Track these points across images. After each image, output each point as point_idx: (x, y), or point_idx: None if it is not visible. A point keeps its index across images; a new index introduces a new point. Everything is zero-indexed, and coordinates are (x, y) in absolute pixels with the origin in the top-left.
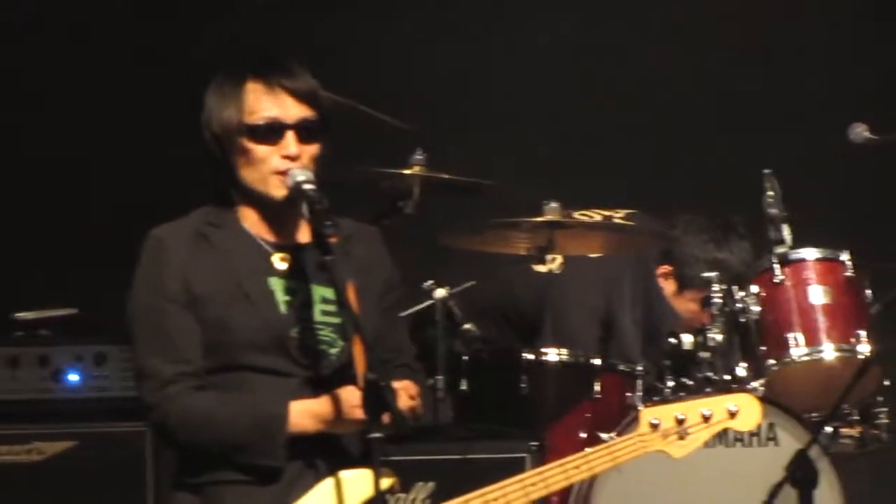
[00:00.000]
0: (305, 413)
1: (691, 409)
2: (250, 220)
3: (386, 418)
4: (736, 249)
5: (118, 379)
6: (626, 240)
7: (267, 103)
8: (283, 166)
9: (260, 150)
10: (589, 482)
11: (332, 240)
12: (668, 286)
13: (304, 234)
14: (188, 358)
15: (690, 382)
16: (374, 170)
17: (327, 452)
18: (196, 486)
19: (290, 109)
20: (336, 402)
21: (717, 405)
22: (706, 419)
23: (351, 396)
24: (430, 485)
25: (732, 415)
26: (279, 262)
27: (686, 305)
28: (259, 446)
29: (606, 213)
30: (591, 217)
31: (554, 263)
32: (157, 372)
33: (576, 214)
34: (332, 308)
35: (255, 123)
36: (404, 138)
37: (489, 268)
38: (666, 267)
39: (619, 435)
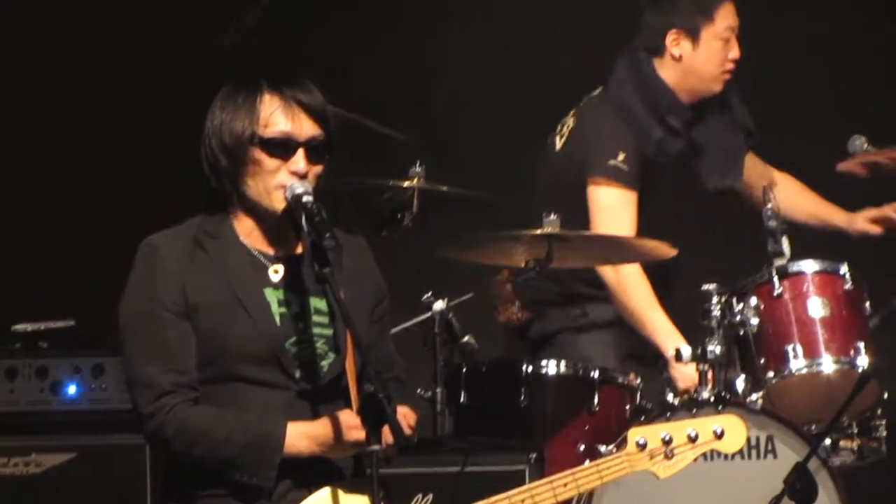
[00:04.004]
0: (303, 436)
1: (678, 429)
2: (246, 230)
3: (385, 432)
4: None
5: (117, 391)
6: (626, 252)
7: (282, 117)
8: (287, 181)
9: (269, 162)
10: (588, 494)
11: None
12: None
13: (298, 246)
14: (184, 368)
15: (676, 402)
16: (374, 181)
17: (319, 471)
18: (187, 500)
19: (303, 126)
20: (334, 425)
21: (703, 426)
22: (692, 440)
23: (349, 418)
24: (429, 497)
25: (718, 436)
26: (274, 273)
27: None
28: (251, 465)
29: None
30: None
31: None
32: (153, 381)
33: None
34: (324, 320)
35: (268, 136)
36: (404, 150)
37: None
38: None
39: (617, 448)
